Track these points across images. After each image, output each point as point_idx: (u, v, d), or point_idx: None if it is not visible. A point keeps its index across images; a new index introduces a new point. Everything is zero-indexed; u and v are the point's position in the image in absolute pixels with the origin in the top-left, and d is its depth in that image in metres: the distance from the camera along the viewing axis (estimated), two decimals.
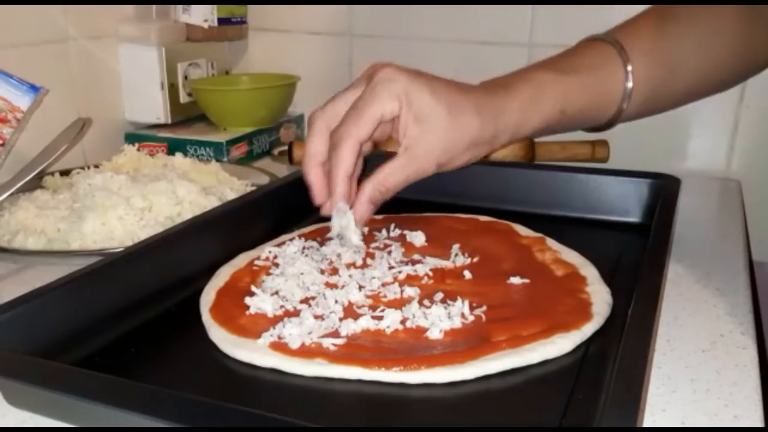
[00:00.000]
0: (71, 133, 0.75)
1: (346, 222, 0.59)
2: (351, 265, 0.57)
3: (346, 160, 0.55)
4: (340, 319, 0.48)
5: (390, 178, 0.57)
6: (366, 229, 0.65)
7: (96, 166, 0.84)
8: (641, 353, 0.40)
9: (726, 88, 0.69)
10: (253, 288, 0.52)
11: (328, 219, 0.68)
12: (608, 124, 0.66)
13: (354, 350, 0.45)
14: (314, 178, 0.59)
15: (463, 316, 0.48)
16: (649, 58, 0.63)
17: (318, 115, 0.59)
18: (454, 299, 0.50)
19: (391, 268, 0.56)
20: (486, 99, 0.58)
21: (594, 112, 0.63)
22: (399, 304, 0.50)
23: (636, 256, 0.57)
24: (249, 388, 0.44)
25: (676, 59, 0.63)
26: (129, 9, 0.99)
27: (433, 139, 0.56)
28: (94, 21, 0.94)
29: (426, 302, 0.50)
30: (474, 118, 0.56)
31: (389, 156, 0.58)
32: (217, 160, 0.89)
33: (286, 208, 0.70)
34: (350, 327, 0.47)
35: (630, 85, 0.62)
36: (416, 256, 0.59)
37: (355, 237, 0.59)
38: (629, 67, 0.61)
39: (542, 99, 0.59)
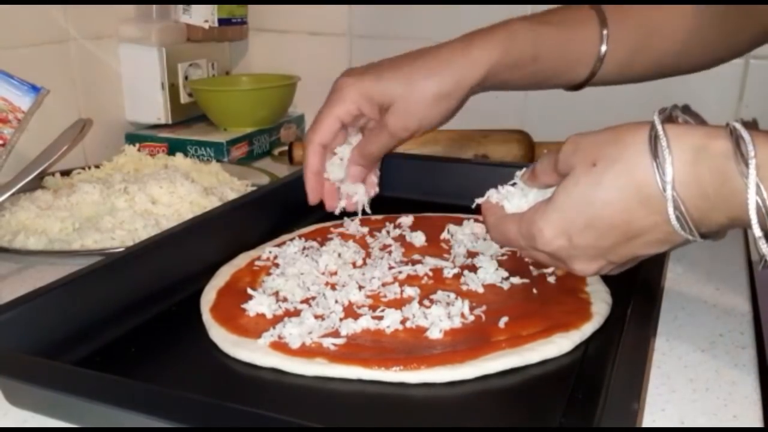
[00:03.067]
0: (72, 134, 0.75)
1: (360, 196, 0.67)
2: (351, 265, 0.57)
3: (311, 160, 0.65)
4: (341, 319, 0.48)
5: (369, 145, 0.65)
6: (366, 229, 0.65)
7: (97, 167, 0.84)
8: (641, 353, 0.40)
9: (704, 67, 0.69)
10: (250, 291, 0.52)
11: (328, 219, 0.68)
12: (583, 83, 0.67)
13: (354, 350, 0.45)
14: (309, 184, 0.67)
15: (462, 315, 0.49)
16: (626, 20, 0.64)
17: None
18: (454, 299, 0.50)
19: (391, 268, 0.56)
20: (445, 53, 0.61)
21: (567, 64, 0.65)
22: (399, 304, 0.51)
23: None
24: (249, 388, 0.44)
25: (653, 24, 0.64)
26: (129, 9, 0.99)
27: (395, 111, 0.61)
28: (94, 21, 0.94)
29: (426, 302, 0.50)
30: (428, 79, 0.60)
31: None
32: (218, 161, 0.89)
33: (286, 208, 0.70)
34: (350, 327, 0.47)
35: (604, 48, 0.63)
36: (416, 256, 0.59)
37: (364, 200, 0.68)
38: (605, 30, 0.63)
39: (513, 41, 0.61)
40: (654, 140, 0.42)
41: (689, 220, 0.41)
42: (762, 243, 0.40)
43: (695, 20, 0.64)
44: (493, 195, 0.54)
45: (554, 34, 0.63)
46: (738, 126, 0.40)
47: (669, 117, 0.45)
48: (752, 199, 0.39)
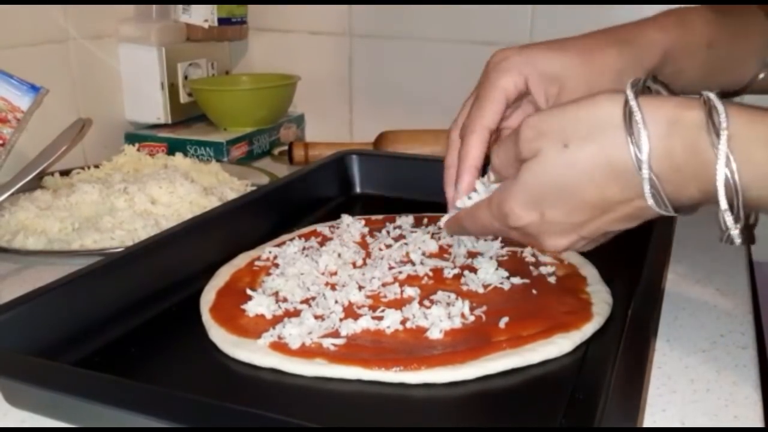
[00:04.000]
0: (71, 134, 0.75)
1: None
2: (351, 265, 0.57)
3: (473, 151, 0.54)
4: (341, 320, 0.48)
5: None
6: (366, 229, 0.65)
7: (96, 166, 0.84)
8: (641, 353, 0.40)
9: None
10: (249, 291, 0.52)
11: (330, 218, 0.68)
12: (742, 90, 0.64)
13: (354, 350, 0.45)
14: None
15: (463, 316, 0.49)
16: None
17: (451, 128, 0.58)
18: (455, 300, 0.50)
19: (391, 268, 0.56)
20: (620, 32, 0.56)
21: (737, 57, 0.61)
22: (399, 304, 0.50)
23: (636, 256, 0.56)
24: (249, 388, 0.44)
25: None
26: (129, 9, 0.99)
27: (573, 87, 0.53)
28: (94, 21, 0.94)
29: (426, 302, 0.50)
30: (609, 49, 0.54)
31: None
32: (218, 160, 0.89)
33: (286, 208, 0.70)
34: (350, 327, 0.47)
35: None
36: (414, 257, 0.59)
37: None
38: None
39: (687, 26, 0.57)
40: (629, 116, 0.40)
41: (664, 196, 0.41)
42: (727, 215, 0.39)
43: None
44: (458, 207, 0.54)
45: (728, 23, 0.59)
46: (712, 96, 0.39)
47: (641, 89, 0.43)
48: (721, 171, 0.38)
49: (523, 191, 0.45)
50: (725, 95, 0.61)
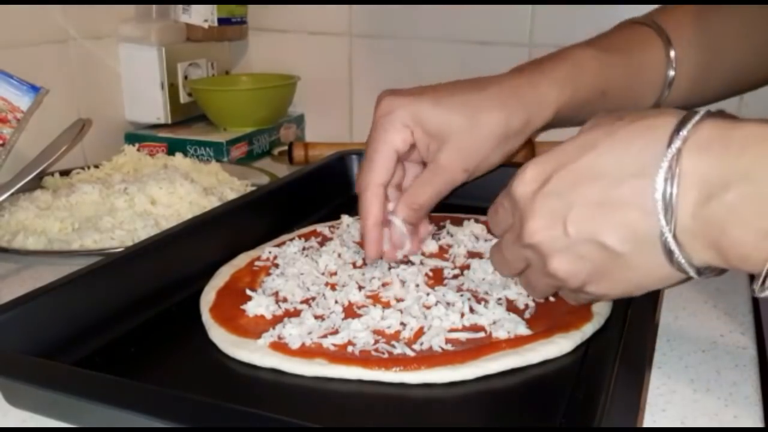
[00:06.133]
0: (71, 134, 0.75)
1: (408, 250, 0.57)
2: (351, 265, 0.57)
3: (371, 209, 0.54)
4: (341, 320, 0.48)
5: (420, 194, 0.55)
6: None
7: (96, 167, 0.84)
8: (641, 353, 0.40)
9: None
10: (249, 292, 0.52)
11: (330, 218, 0.68)
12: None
13: (354, 350, 0.45)
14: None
15: (463, 316, 0.48)
16: (691, 45, 0.60)
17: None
18: (455, 299, 0.50)
19: (391, 268, 0.56)
20: (511, 87, 0.54)
21: (634, 96, 0.60)
22: (399, 304, 0.50)
23: None
24: (249, 388, 0.44)
25: (718, 46, 0.61)
26: (129, 9, 0.99)
27: (454, 148, 0.53)
28: (94, 21, 0.94)
29: (426, 302, 0.50)
30: (496, 113, 0.53)
31: None
32: (218, 160, 0.89)
33: (286, 208, 0.70)
34: (350, 327, 0.47)
35: (672, 73, 0.59)
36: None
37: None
38: (672, 53, 0.59)
39: (581, 76, 0.56)
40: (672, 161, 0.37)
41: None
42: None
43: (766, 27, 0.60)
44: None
45: (621, 63, 0.58)
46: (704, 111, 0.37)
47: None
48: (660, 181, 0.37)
49: (546, 159, 0.42)
50: None
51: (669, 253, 0.38)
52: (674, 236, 0.37)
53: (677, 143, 0.37)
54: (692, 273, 0.38)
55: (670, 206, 0.37)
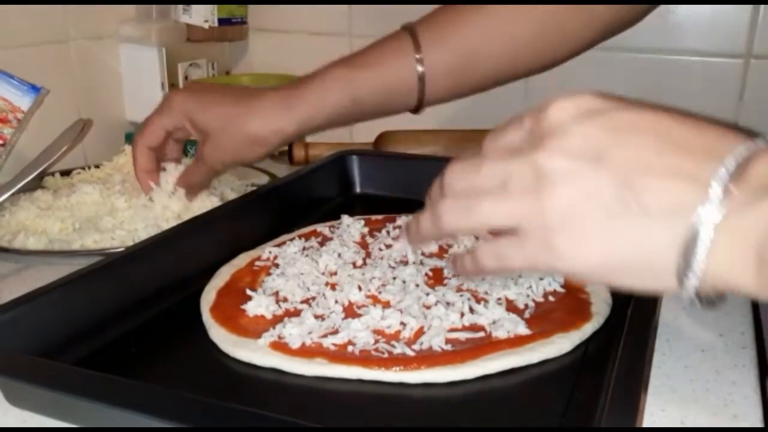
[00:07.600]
0: (72, 134, 0.75)
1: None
2: (351, 265, 0.57)
3: (139, 161, 0.68)
4: (341, 319, 0.48)
5: (190, 176, 0.69)
6: (366, 230, 0.65)
7: (97, 167, 0.84)
8: (641, 353, 0.40)
9: (537, 72, 0.69)
10: (249, 291, 0.52)
11: (330, 218, 0.68)
12: (417, 108, 0.68)
13: (354, 350, 0.45)
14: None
15: (462, 315, 0.48)
16: (444, 45, 0.65)
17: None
18: (455, 299, 0.50)
19: (391, 268, 0.56)
20: (271, 101, 0.64)
21: (392, 99, 0.67)
22: (399, 303, 0.50)
23: None
24: (249, 388, 0.44)
25: (474, 45, 0.65)
26: (129, 9, 0.99)
27: (213, 144, 0.65)
28: (94, 21, 0.94)
29: (426, 302, 0.50)
30: (248, 123, 0.64)
31: None
32: None
33: (286, 208, 0.70)
34: (350, 327, 0.47)
35: (421, 69, 0.65)
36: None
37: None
38: (418, 55, 0.65)
39: (329, 93, 0.65)
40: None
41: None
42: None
43: (527, 26, 0.65)
44: None
45: (370, 77, 0.65)
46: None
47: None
48: None
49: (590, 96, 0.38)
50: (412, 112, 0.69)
51: (691, 243, 0.32)
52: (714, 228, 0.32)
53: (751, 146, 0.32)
54: (693, 280, 0.34)
55: (728, 194, 0.32)
